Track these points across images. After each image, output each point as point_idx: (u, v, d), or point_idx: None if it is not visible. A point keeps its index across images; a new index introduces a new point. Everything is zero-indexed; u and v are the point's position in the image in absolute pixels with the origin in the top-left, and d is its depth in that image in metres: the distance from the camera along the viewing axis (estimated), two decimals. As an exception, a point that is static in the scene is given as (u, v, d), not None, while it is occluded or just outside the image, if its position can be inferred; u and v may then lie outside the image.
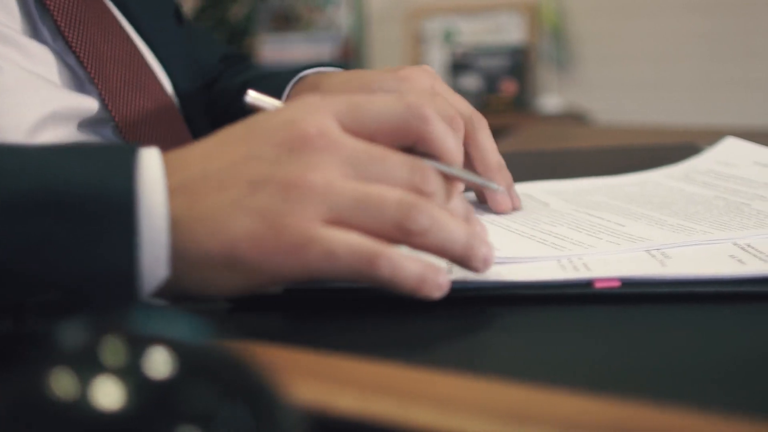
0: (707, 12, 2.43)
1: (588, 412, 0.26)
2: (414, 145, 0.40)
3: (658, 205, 0.59)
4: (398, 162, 0.38)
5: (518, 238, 0.50)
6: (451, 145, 0.40)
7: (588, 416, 0.26)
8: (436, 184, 0.39)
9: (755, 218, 0.53)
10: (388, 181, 0.37)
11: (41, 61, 0.58)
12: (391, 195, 0.37)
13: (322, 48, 2.88)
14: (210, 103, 0.81)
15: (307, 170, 0.36)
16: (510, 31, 2.68)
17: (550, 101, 2.52)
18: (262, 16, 3.09)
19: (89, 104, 0.60)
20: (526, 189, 0.67)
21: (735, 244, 0.48)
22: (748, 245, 0.47)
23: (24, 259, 0.34)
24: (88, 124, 0.61)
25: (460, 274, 0.43)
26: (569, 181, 0.69)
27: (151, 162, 0.36)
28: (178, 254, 0.36)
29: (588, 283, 0.42)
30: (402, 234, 0.37)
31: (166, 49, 0.72)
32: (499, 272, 0.44)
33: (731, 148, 0.71)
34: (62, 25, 0.59)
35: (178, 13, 0.80)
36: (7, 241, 0.34)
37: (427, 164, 0.39)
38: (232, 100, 0.78)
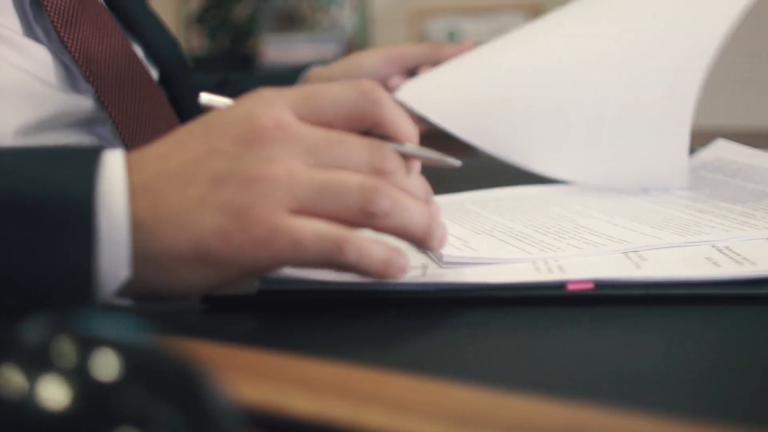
0: (711, 13, 2.42)
1: (538, 414, 0.26)
2: (370, 129, 0.41)
3: (639, 207, 0.58)
4: (357, 144, 0.39)
5: (494, 241, 0.50)
6: (406, 125, 0.41)
7: (538, 419, 0.26)
8: (395, 163, 0.39)
9: (736, 221, 0.53)
10: (349, 164, 0.38)
11: (37, 60, 0.59)
12: (352, 180, 0.37)
13: (325, 48, 2.88)
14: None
15: (267, 163, 0.36)
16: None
17: (553, 102, 2.52)
18: (266, 17, 3.09)
19: (83, 104, 0.60)
20: (505, 192, 0.67)
21: (713, 246, 0.48)
22: (727, 247, 0.47)
23: None
24: (82, 124, 0.62)
25: (437, 276, 0.43)
26: (544, 186, 0.69)
27: (113, 164, 0.36)
28: (145, 254, 0.36)
29: (561, 285, 0.42)
30: (365, 217, 0.38)
31: (146, 28, 0.73)
32: (477, 273, 0.44)
33: (721, 150, 0.71)
34: (58, 24, 0.59)
35: None
36: None
37: (383, 143, 0.40)
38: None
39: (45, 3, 0.59)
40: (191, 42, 3.17)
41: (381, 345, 0.37)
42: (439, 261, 0.45)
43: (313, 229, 0.36)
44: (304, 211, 0.37)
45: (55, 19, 0.59)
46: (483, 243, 0.49)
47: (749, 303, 0.41)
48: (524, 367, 0.33)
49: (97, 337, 0.22)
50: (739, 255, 0.45)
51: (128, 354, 0.21)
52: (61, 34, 0.59)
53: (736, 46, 2.33)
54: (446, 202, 0.63)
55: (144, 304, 0.42)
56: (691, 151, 0.77)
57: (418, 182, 0.41)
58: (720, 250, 0.47)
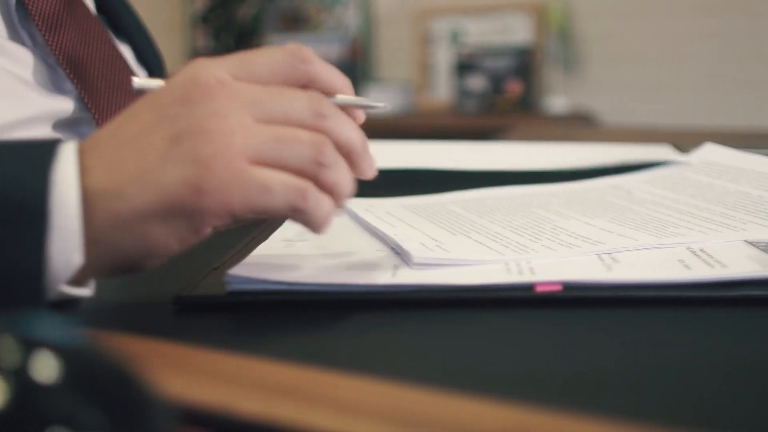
0: (716, 12, 2.41)
1: (481, 417, 0.26)
2: (306, 86, 0.42)
3: (620, 208, 0.58)
4: (296, 94, 0.41)
5: (470, 242, 0.50)
6: (337, 78, 0.44)
7: (481, 421, 0.26)
8: (333, 108, 0.42)
9: (715, 222, 0.53)
10: (292, 112, 0.40)
11: (20, 62, 0.60)
12: (303, 133, 0.40)
13: (329, 48, 2.88)
14: None
15: (219, 117, 0.38)
16: (517, 31, 2.67)
17: (557, 102, 2.51)
18: (271, 17, 3.10)
19: (65, 105, 0.61)
20: (489, 192, 0.67)
21: (688, 248, 0.48)
22: (701, 249, 0.47)
23: None
24: (67, 124, 0.62)
25: (406, 277, 0.43)
26: (529, 187, 0.69)
27: (66, 154, 0.37)
28: (115, 218, 0.37)
29: (530, 287, 0.42)
30: (317, 167, 0.40)
31: (142, 45, 0.74)
32: (447, 275, 0.44)
33: (708, 153, 0.71)
34: (42, 28, 0.61)
35: None
36: None
37: (318, 92, 0.42)
38: None
39: (30, 8, 0.61)
40: (196, 42, 3.18)
41: (340, 346, 0.37)
42: (410, 262, 0.45)
43: (281, 177, 0.38)
44: (261, 162, 0.38)
45: (40, 23, 0.61)
46: (457, 244, 0.49)
47: (718, 305, 0.41)
48: (478, 369, 0.33)
49: (33, 338, 0.22)
50: (711, 257, 0.45)
51: (63, 355, 0.21)
52: (46, 37, 0.61)
53: (746, 46, 2.32)
54: (430, 202, 0.63)
55: (114, 303, 0.42)
56: (682, 153, 0.77)
57: (357, 132, 0.43)
58: (694, 252, 0.46)
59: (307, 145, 0.39)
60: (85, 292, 0.40)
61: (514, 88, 2.51)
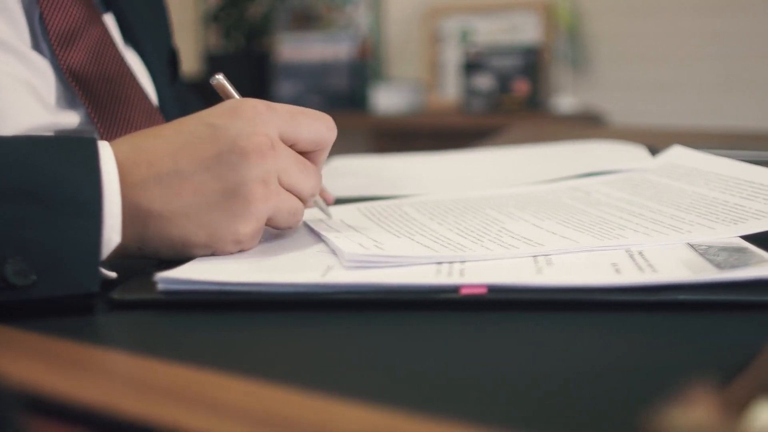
0: (725, 11, 2.39)
1: (342, 420, 0.26)
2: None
3: (573, 210, 0.58)
4: (312, 173, 0.51)
5: (412, 244, 0.50)
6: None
7: (341, 424, 0.26)
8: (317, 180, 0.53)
9: (664, 224, 0.52)
10: (300, 189, 0.51)
11: (41, 73, 0.61)
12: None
13: (340, 47, 2.88)
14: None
15: (261, 182, 0.47)
16: (526, 30, 2.66)
17: (565, 101, 2.50)
18: (282, 15, 3.11)
19: (71, 119, 0.63)
20: (448, 194, 0.67)
21: (627, 251, 0.47)
22: (640, 252, 0.47)
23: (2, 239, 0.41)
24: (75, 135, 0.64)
25: (335, 277, 0.44)
26: (491, 189, 0.69)
27: (107, 160, 0.45)
28: (160, 238, 0.47)
29: (455, 289, 0.42)
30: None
31: (154, 60, 0.75)
32: (378, 275, 0.44)
33: (674, 155, 0.71)
34: (54, 43, 0.62)
35: (172, 62, 0.85)
36: None
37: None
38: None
39: (47, 21, 0.62)
40: (209, 40, 3.19)
41: (235, 347, 0.37)
42: (343, 260, 0.45)
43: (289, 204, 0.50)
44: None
45: (53, 39, 0.62)
46: (397, 245, 0.49)
47: (645, 310, 0.41)
48: (364, 372, 0.34)
49: None
50: (646, 261, 0.45)
51: None
52: (57, 52, 0.62)
53: (756, 46, 2.30)
54: (389, 204, 0.64)
55: (50, 300, 0.43)
56: (654, 154, 0.77)
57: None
58: (631, 255, 0.46)
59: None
60: (112, 274, 0.46)
61: (521, 87, 2.50)
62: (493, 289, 0.42)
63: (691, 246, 0.48)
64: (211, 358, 0.33)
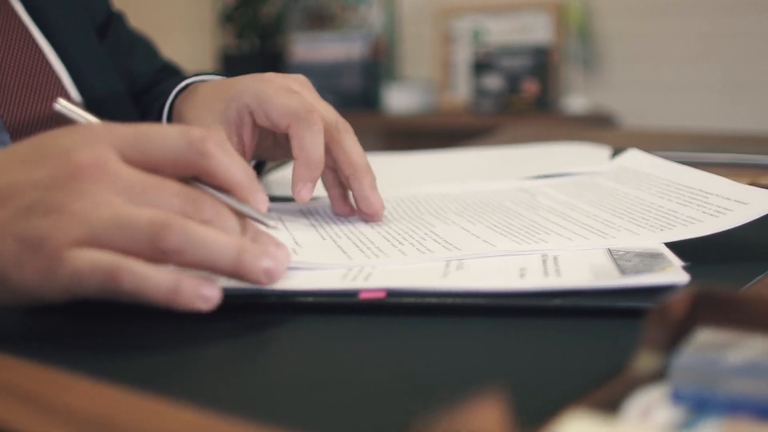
0: (738, 11, 2.35)
1: (164, 421, 0.27)
2: (196, 177, 0.41)
3: (509, 213, 0.58)
4: (172, 191, 0.40)
5: (333, 248, 0.50)
6: (233, 176, 0.41)
7: (162, 425, 0.26)
8: (210, 211, 0.40)
9: (592, 229, 0.52)
10: (161, 209, 0.39)
11: None
12: (143, 215, 0.38)
13: (353, 47, 2.89)
14: (146, 105, 0.84)
15: (73, 197, 0.38)
16: (537, 30, 2.64)
17: (576, 102, 2.48)
18: (296, 15, 3.13)
19: None
20: (398, 192, 0.67)
21: (542, 256, 0.47)
22: (555, 257, 0.47)
23: None
24: None
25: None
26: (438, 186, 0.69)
27: None
28: None
29: (354, 293, 0.42)
30: (159, 253, 0.38)
31: (76, 55, 0.74)
32: (289, 279, 0.44)
33: (629, 160, 0.70)
34: None
35: (105, 24, 0.82)
36: None
37: (203, 193, 0.41)
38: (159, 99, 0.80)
39: None
40: (224, 40, 3.21)
41: (107, 351, 0.38)
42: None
43: (90, 258, 0.37)
44: (96, 244, 0.37)
45: None
46: (316, 249, 0.49)
47: (541, 316, 0.41)
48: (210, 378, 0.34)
49: None
50: (556, 266, 0.45)
51: None
52: None
53: (760, 45, 2.26)
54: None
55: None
56: (611, 158, 0.76)
57: (231, 222, 0.41)
58: (544, 260, 0.46)
59: (144, 228, 0.37)
60: None
61: (530, 87, 2.49)
62: (392, 293, 0.42)
63: (610, 251, 0.47)
64: (73, 362, 0.34)
